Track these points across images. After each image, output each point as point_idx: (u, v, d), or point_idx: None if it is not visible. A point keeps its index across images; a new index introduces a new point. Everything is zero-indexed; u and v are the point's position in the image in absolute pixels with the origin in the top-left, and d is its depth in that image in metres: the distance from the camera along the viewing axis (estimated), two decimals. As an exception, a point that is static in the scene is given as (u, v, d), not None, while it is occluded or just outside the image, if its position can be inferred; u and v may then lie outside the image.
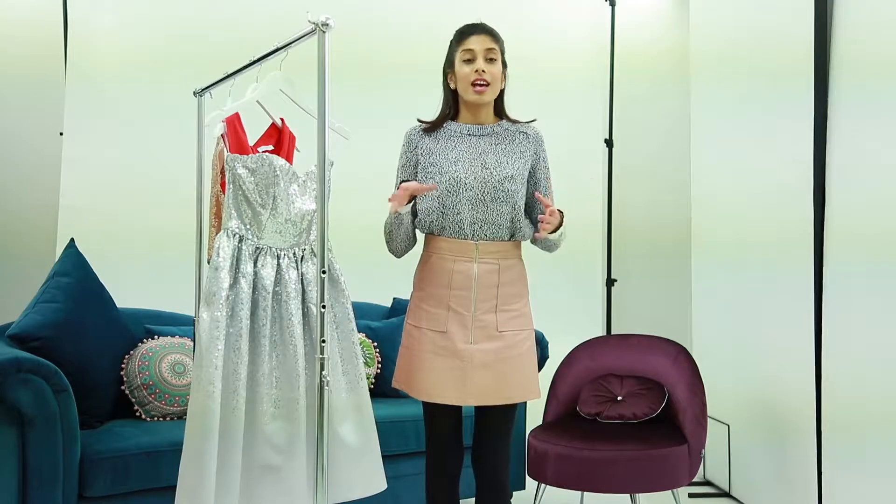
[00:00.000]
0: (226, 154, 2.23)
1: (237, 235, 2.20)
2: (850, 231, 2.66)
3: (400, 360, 2.25)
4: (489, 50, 2.16)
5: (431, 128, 2.26)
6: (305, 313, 2.27)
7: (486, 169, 2.17)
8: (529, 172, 2.25)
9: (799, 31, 2.89)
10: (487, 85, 2.16)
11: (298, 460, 2.19)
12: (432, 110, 2.29)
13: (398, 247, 2.25)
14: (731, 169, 3.51)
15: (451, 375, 2.14)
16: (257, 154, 2.26)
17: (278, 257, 2.25)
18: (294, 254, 2.29)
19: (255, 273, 2.20)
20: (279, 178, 2.25)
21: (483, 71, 2.15)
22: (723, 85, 3.59)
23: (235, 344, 2.12)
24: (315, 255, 2.27)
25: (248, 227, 2.22)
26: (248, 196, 2.21)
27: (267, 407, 2.17)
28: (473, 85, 2.16)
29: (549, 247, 2.30)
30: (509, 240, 2.21)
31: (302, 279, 2.29)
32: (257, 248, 2.22)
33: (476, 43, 2.16)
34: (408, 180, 2.21)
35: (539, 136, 2.28)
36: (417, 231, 2.28)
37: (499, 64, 2.19)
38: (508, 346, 2.16)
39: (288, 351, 2.20)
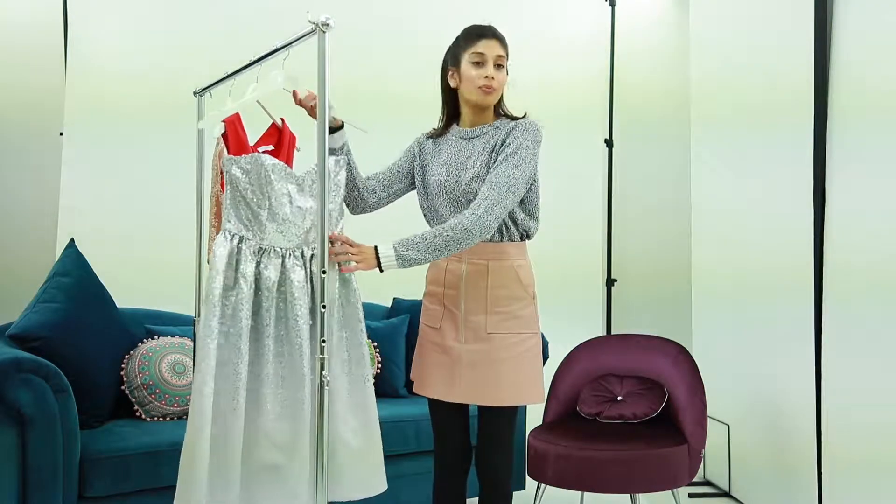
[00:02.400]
0: (224, 155, 2.22)
1: (235, 236, 2.19)
2: (850, 230, 2.67)
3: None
4: (499, 57, 2.16)
5: (437, 134, 2.30)
6: (313, 312, 2.26)
7: (465, 170, 2.17)
8: None
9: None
10: (494, 90, 2.16)
11: (301, 460, 2.18)
12: (426, 113, 2.30)
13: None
14: (732, 170, 3.51)
15: (440, 371, 2.18)
16: (250, 154, 2.24)
17: (283, 257, 2.23)
18: (302, 253, 2.26)
19: (258, 273, 2.19)
20: (272, 178, 2.23)
21: (492, 77, 2.14)
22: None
23: (235, 344, 2.11)
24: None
25: (248, 227, 2.21)
26: (245, 196, 2.20)
27: (272, 406, 2.16)
28: (480, 88, 2.15)
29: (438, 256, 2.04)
30: (501, 241, 2.18)
31: (311, 279, 2.26)
32: (261, 248, 2.20)
33: (487, 48, 2.15)
34: (396, 170, 2.32)
35: (513, 126, 2.13)
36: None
37: (504, 70, 2.19)
38: (498, 349, 2.14)
39: (294, 351, 2.19)
